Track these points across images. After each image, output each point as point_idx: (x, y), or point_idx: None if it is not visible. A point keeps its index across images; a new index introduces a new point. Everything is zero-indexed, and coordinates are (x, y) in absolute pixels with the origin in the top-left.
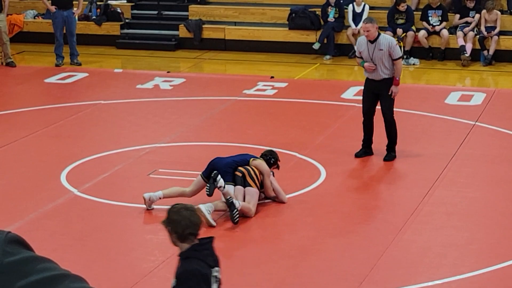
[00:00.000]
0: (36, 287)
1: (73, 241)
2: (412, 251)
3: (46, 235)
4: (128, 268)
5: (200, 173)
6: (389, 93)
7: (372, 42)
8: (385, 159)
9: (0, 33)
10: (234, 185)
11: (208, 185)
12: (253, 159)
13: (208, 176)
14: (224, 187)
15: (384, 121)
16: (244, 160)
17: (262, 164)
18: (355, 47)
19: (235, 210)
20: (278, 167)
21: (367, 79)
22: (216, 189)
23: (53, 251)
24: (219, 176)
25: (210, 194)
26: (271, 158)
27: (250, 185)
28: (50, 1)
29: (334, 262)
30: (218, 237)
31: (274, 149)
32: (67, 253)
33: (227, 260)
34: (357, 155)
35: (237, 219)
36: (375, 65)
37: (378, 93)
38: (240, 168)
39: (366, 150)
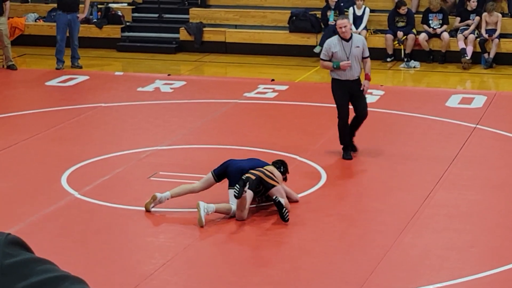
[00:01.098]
0: None
1: (74, 244)
2: (413, 254)
3: (46, 237)
4: (128, 270)
5: (211, 171)
6: (362, 89)
7: (347, 40)
8: (352, 151)
9: (1, 36)
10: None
11: (237, 186)
12: (266, 166)
13: (220, 175)
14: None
15: (360, 118)
16: (256, 166)
17: (275, 169)
18: (324, 50)
19: (285, 209)
20: (285, 179)
21: (341, 81)
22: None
23: (53, 254)
24: (248, 182)
25: (238, 196)
26: (281, 167)
27: (271, 185)
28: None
29: (335, 265)
30: (218, 239)
31: (273, 151)
32: (67, 255)
33: (227, 262)
34: (349, 158)
35: (288, 217)
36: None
37: (352, 94)
38: (253, 171)
39: (352, 149)
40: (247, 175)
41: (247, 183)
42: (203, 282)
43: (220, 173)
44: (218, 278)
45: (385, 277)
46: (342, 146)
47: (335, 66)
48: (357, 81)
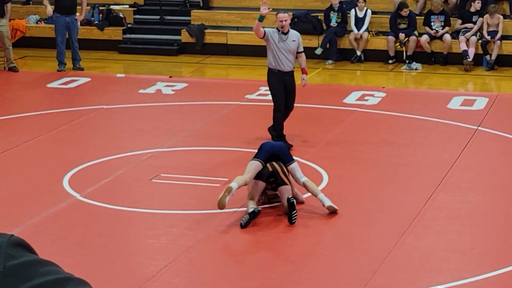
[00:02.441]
0: None
1: (75, 246)
2: (414, 256)
3: (48, 239)
4: (130, 273)
5: (256, 158)
6: (301, 82)
7: (285, 34)
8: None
9: (3, 38)
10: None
11: (246, 218)
12: (289, 163)
13: (267, 160)
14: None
15: (287, 111)
16: (285, 158)
17: (295, 169)
18: (266, 33)
19: (295, 211)
20: None
21: (276, 73)
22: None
23: (55, 256)
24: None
25: (244, 226)
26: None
27: (283, 181)
28: (53, 6)
29: (336, 267)
30: (220, 242)
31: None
32: (69, 257)
33: (228, 265)
34: (289, 146)
35: (295, 220)
36: (285, 57)
37: (285, 85)
38: (274, 163)
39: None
40: (267, 164)
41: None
42: (205, 284)
43: (268, 159)
44: (219, 280)
45: (386, 279)
46: (277, 135)
47: (259, 19)
48: (291, 74)
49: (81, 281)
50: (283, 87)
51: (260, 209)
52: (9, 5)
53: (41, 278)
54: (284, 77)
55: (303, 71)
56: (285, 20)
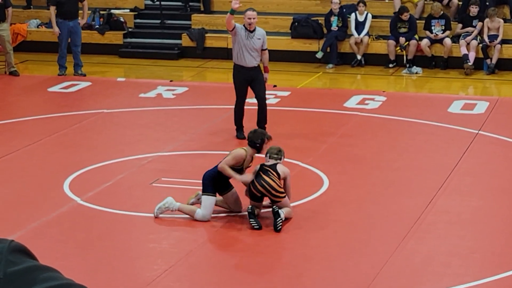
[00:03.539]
0: None
1: (76, 250)
2: (415, 260)
3: (49, 243)
4: (131, 276)
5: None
6: (263, 79)
7: (251, 31)
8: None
9: (4, 42)
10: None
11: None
12: (269, 177)
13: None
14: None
15: (260, 104)
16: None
17: (275, 173)
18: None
19: (279, 219)
20: (258, 150)
21: (240, 68)
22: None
23: (56, 260)
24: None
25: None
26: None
27: (278, 201)
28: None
29: (337, 271)
30: (221, 246)
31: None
32: (70, 261)
33: (228, 269)
34: (242, 137)
35: (280, 227)
36: (249, 54)
37: (251, 80)
38: (259, 187)
39: (242, 132)
40: (254, 192)
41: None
42: None
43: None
44: (220, 285)
45: (387, 283)
46: (236, 128)
47: (230, 12)
48: (255, 69)
49: (81, 287)
50: (245, 83)
51: (251, 207)
52: (10, 9)
53: (41, 284)
54: (248, 72)
55: (265, 70)
56: (253, 18)
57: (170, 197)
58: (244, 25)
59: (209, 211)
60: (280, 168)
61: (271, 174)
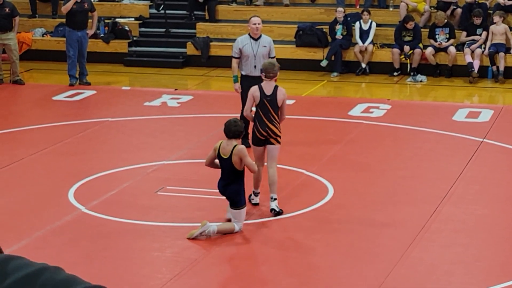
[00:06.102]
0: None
1: (81, 259)
2: (420, 269)
3: (53, 252)
4: (135, 285)
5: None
6: None
7: (256, 39)
8: None
9: (11, 51)
10: None
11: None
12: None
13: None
14: None
15: None
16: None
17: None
18: (234, 48)
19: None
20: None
21: (247, 77)
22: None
23: None
24: None
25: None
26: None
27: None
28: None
29: (342, 279)
30: (225, 254)
31: (280, 165)
32: (74, 270)
33: (233, 278)
34: (246, 146)
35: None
36: (255, 66)
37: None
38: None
39: (247, 139)
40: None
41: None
42: None
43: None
44: None
45: None
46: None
47: (233, 79)
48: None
49: (57, 268)
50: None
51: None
52: (17, 18)
53: (14, 275)
54: (255, 81)
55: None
56: (259, 24)
57: (205, 220)
58: (249, 34)
59: (243, 220)
60: (280, 96)
61: (273, 119)
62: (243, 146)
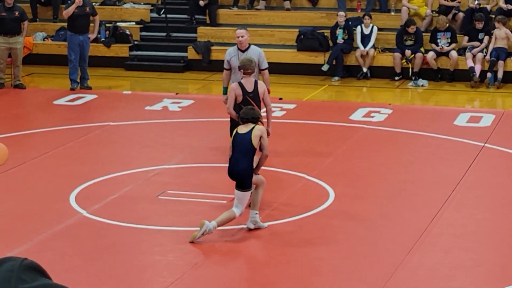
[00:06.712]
0: None
1: (82, 263)
2: (421, 273)
3: (55, 256)
4: None
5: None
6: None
7: (243, 51)
8: None
9: (16, 56)
10: None
11: None
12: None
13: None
14: None
15: None
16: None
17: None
18: (225, 59)
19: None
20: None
21: None
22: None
23: (62, 273)
24: None
25: None
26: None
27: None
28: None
29: (343, 283)
30: (226, 258)
31: (281, 170)
32: (76, 274)
33: (234, 282)
34: None
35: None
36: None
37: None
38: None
39: None
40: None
41: None
42: None
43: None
44: None
45: None
46: None
47: (223, 90)
48: None
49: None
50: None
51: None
52: (26, 23)
53: None
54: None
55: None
56: (242, 36)
57: (203, 220)
58: (236, 45)
59: (245, 204)
60: (260, 90)
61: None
62: (264, 127)
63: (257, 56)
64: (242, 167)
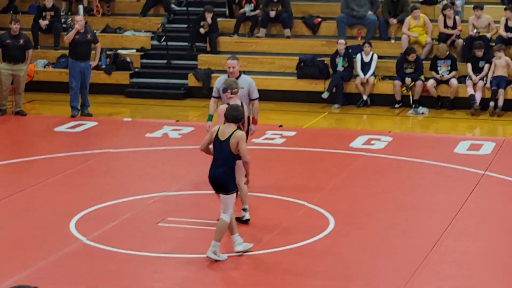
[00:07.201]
0: None
1: None
2: None
3: (55, 284)
4: None
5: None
6: (247, 131)
7: None
8: None
9: (19, 83)
10: None
11: None
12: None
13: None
14: None
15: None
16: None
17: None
18: (214, 87)
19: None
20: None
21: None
22: None
23: None
24: None
25: None
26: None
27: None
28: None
29: None
30: (225, 286)
31: (282, 197)
32: None
33: None
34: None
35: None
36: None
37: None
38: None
39: None
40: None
41: None
42: None
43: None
44: None
45: None
46: None
47: (207, 117)
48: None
49: None
50: None
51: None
52: (30, 51)
53: None
54: None
55: (253, 121)
56: (233, 67)
57: (207, 255)
58: (227, 75)
59: (233, 207)
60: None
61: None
62: (243, 132)
63: (247, 85)
64: (223, 172)
